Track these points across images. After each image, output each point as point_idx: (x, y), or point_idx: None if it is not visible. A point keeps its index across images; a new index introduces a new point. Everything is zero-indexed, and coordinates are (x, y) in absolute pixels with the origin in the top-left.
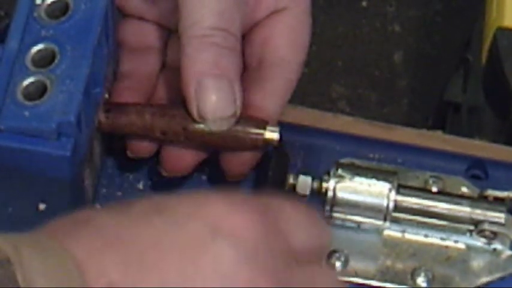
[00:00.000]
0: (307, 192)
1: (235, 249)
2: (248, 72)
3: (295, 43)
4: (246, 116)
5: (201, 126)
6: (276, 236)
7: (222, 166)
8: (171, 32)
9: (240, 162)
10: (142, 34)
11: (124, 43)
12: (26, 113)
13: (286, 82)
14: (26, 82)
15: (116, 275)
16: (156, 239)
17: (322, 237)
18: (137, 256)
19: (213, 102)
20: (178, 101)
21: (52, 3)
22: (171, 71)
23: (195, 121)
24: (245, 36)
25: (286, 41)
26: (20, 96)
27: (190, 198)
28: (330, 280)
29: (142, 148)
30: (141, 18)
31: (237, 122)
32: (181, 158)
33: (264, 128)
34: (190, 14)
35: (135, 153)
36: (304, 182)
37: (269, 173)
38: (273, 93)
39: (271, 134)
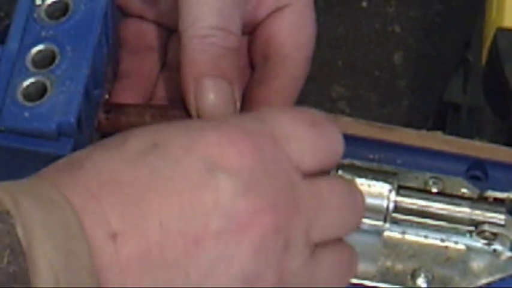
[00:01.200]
0: None
1: (232, 180)
2: (255, 71)
3: (298, 39)
4: None
5: None
6: (274, 158)
7: None
8: (171, 32)
9: None
10: (142, 34)
11: (124, 43)
12: (26, 114)
13: (292, 79)
14: (26, 83)
15: (115, 222)
16: (152, 178)
17: (329, 147)
18: (135, 198)
19: (212, 102)
20: (178, 100)
21: (52, 3)
22: (171, 70)
23: None
24: (249, 36)
25: (290, 38)
26: (20, 97)
27: (184, 132)
28: (339, 192)
29: None
30: (141, 18)
31: None
32: None
33: None
34: (189, 13)
35: None
36: None
37: None
38: (278, 91)
39: None
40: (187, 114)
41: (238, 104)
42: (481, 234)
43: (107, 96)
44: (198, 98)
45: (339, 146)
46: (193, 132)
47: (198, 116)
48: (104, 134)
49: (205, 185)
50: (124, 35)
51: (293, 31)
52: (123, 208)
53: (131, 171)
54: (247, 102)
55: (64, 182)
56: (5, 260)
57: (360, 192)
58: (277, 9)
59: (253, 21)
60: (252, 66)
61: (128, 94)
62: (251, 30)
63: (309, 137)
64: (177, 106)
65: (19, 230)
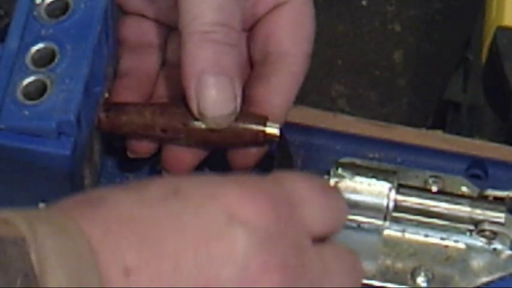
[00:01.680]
0: None
1: (248, 236)
2: (254, 68)
3: (298, 36)
4: (246, 112)
5: (201, 123)
6: (289, 219)
7: (228, 159)
8: (171, 29)
9: (243, 155)
10: (142, 32)
11: (124, 41)
12: (26, 112)
13: (291, 75)
14: (26, 81)
15: (130, 259)
16: (172, 222)
17: (337, 214)
18: (152, 239)
19: (214, 99)
20: (179, 98)
21: (52, 2)
22: (171, 68)
23: (195, 118)
24: (248, 33)
25: (289, 34)
26: (20, 96)
27: (206, 183)
28: (343, 263)
29: (142, 148)
30: (141, 16)
31: (237, 118)
32: (182, 158)
33: (264, 124)
34: (189, 9)
35: (135, 153)
36: None
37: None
38: (278, 88)
39: (271, 130)
40: (188, 112)
41: (239, 101)
42: (481, 233)
43: (106, 95)
44: (199, 95)
45: (345, 214)
46: (215, 184)
47: (200, 113)
48: (104, 132)
49: (223, 235)
50: (124, 33)
51: (292, 28)
52: (140, 246)
53: (151, 213)
54: (246, 99)
55: (82, 216)
56: (19, 285)
57: (358, 259)
58: (276, 6)
59: (252, 18)
60: (250, 63)
61: (127, 92)
62: (250, 27)
63: (321, 203)
64: (177, 104)
65: (33, 257)
